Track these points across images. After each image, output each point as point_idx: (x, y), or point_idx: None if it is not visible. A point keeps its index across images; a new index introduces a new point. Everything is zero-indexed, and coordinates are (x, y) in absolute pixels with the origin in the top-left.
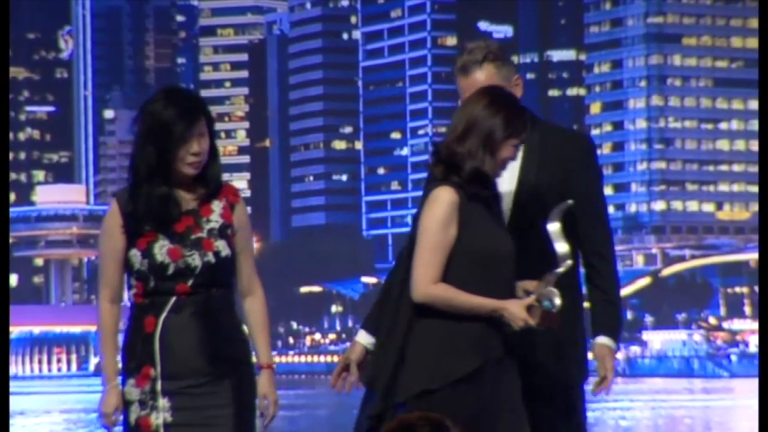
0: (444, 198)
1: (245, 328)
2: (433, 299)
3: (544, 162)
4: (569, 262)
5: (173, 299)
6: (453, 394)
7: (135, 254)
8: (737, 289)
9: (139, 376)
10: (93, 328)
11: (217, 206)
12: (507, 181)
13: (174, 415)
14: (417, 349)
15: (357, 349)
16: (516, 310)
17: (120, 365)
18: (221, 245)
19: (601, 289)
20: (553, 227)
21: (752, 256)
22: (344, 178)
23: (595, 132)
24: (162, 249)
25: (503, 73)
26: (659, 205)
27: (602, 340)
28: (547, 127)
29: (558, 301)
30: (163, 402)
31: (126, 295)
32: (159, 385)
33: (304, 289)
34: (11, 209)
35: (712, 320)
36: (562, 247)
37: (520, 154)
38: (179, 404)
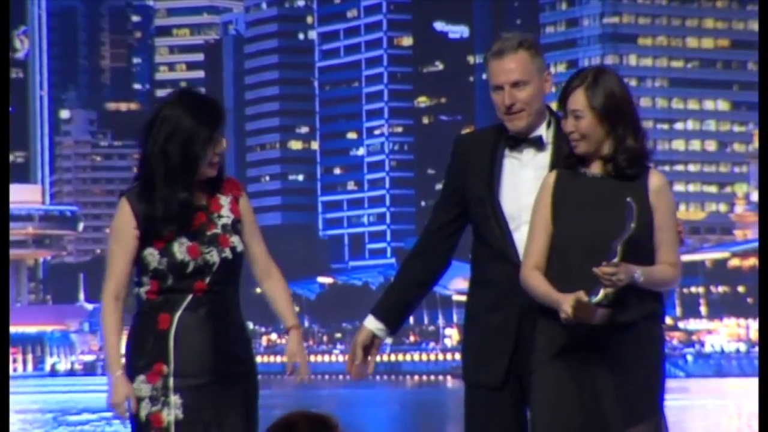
0: None
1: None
2: (525, 283)
3: (560, 158)
4: (615, 260)
5: (189, 297)
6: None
7: (152, 253)
8: (693, 289)
9: (151, 372)
10: (49, 329)
11: (224, 201)
12: (532, 178)
13: (185, 412)
14: None
15: (364, 334)
16: (562, 304)
17: (123, 360)
18: (236, 241)
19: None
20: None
21: (707, 256)
22: (300, 178)
23: None
24: (181, 247)
25: (537, 63)
26: None
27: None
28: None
29: (598, 295)
30: (174, 399)
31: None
32: (171, 382)
33: (260, 289)
34: None
35: (668, 320)
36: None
37: (548, 152)
38: (191, 402)
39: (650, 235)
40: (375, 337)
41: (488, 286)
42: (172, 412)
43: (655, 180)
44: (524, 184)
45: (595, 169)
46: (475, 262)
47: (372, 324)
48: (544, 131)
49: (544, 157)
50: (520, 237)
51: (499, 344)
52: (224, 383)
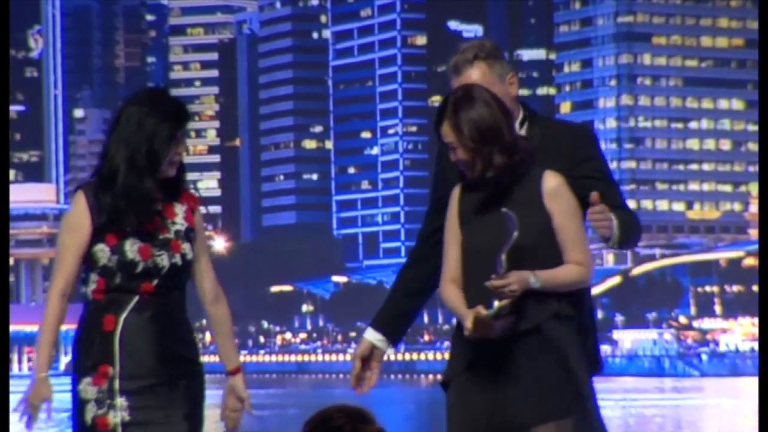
0: None
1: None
2: (441, 296)
3: (547, 156)
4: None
5: (136, 298)
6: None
7: (102, 249)
8: (707, 288)
9: (97, 374)
10: (64, 328)
11: (179, 209)
12: None
13: (131, 414)
14: None
15: (363, 345)
16: (464, 320)
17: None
18: (187, 248)
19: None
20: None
21: (722, 255)
22: (314, 177)
23: None
24: (133, 246)
25: (496, 70)
26: (629, 205)
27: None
28: (547, 121)
29: (493, 308)
30: (120, 401)
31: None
32: (117, 384)
33: (274, 289)
34: None
35: (683, 319)
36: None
37: None
38: (137, 403)
39: (548, 238)
40: (375, 348)
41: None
42: (118, 414)
43: (548, 182)
44: None
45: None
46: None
47: (371, 335)
48: (516, 130)
49: None
50: None
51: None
52: (170, 384)
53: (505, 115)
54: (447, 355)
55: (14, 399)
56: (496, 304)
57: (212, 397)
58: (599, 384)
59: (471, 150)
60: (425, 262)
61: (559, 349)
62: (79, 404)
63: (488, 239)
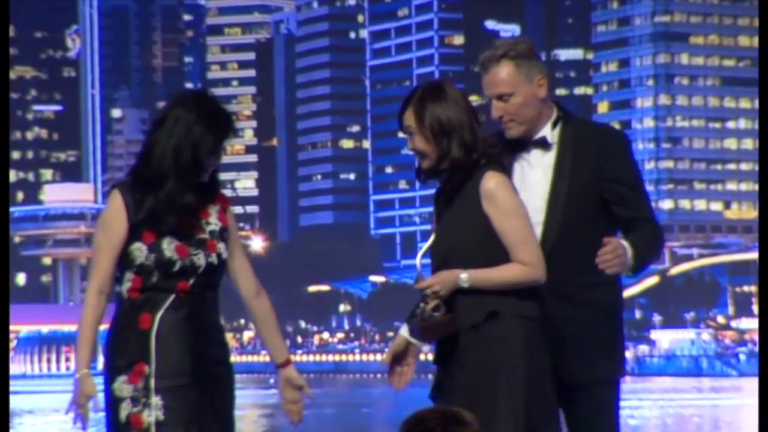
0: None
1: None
2: None
3: (578, 158)
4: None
5: (172, 297)
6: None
7: (140, 248)
8: (745, 288)
9: (132, 373)
10: (102, 327)
11: (213, 210)
12: (541, 179)
13: (166, 413)
14: None
15: (397, 341)
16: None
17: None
18: (222, 247)
19: (642, 233)
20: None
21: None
22: (352, 176)
23: None
24: (170, 245)
25: (523, 71)
26: (667, 204)
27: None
28: (581, 122)
29: (424, 311)
30: (155, 400)
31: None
32: (153, 383)
33: (312, 288)
34: (19, 208)
35: (721, 319)
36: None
37: (554, 151)
38: (171, 403)
39: (489, 240)
40: (410, 344)
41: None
42: (152, 413)
43: (485, 184)
44: (533, 185)
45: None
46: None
47: (406, 332)
48: (548, 131)
49: (551, 157)
50: None
51: None
52: (204, 385)
53: (471, 116)
54: None
55: (23, 399)
56: (422, 306)
57: (252, 397)
58: (637, 384)
59: (428, 140)
60: None
61: (500, 348)
62: (113, 402)
63: (437, 241)
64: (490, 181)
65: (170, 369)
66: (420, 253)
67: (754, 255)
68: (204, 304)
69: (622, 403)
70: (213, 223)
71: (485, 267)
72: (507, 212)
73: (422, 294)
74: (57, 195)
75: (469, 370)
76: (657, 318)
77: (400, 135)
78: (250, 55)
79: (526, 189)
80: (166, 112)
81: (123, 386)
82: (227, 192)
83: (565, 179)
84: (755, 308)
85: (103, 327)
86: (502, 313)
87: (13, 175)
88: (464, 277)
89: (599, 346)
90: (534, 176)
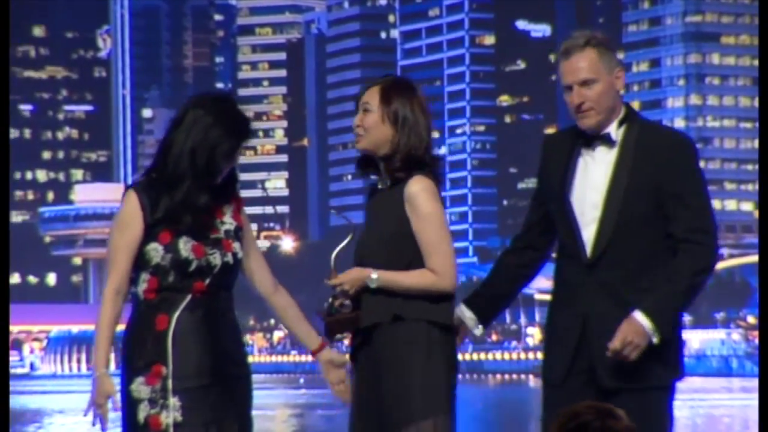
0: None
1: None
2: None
3: (639, 159)
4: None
5: (188, 297)
6: None
7: (155, 248)
8: None
9: (150, 374)
10: (118, 328)
11: (228, 209)
12: (602, 176)
13: (184, 414)
14: None
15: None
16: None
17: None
18: (237, 247)
19: (670, 273)
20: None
21: None
22: None
23: None
24: (186, 245)
25: (605, 60)
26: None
27: (635, 313)
28: (648, 124)
29: (332, 307)
30: (173, 401)
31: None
32: (170, 384)
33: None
34: (49, 209)
35: (751, 319)
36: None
37: (616, 150)
38: (189, 404)
39: (401, 242)
40: (462, 324)
41: (560, 285)
42: (170, 414)
43: (408, 188)
44: (593, 181)
45: (383, 183)
46: (555, 261)
47: (462, 312)
48: (614, 129)
49: (614, 155)
50: (587, 235)
51: (563, 342)
52: (221, 385)
53: (429, 121)
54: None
55: (54, 398)
56: (330, 301)
57: (282, 396)
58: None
59: (383, 122)
60: (524, 251)
61: (411, 351)
62: (131, 404)
63: (362, 241)
64: (415, 185)
65: (188, 370)
66: (336, 250)
67: None
68: (220, 304)
69: None
70: (228, 222)
71: (400, 269)
72: (424, 218)
73: (333, 291)
74: (87, 195)
75: (375, 365)
76: (687, 318)
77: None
78: (281, 55)
79: (587, 184)
80: (184, 113)
81: (140, 388)
82: (257, 192)
83: (625, 179)
84: None
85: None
86: (407, 317)
87: (43, 175)
88: (374, 277)
89: (649, 351)
90: (596, 172)
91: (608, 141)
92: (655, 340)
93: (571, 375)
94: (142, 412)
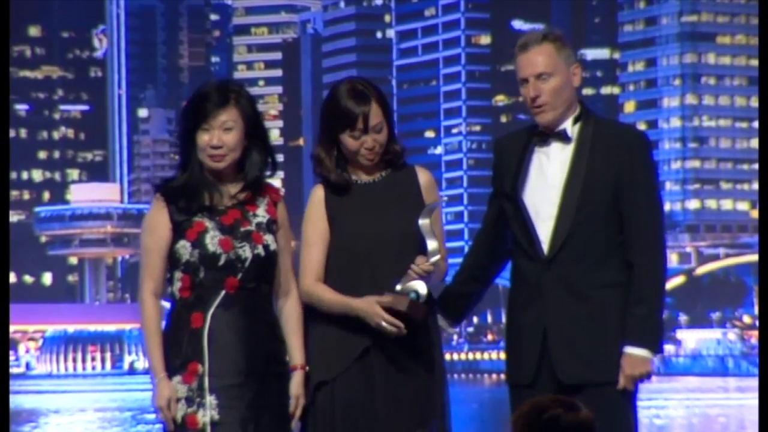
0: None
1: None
2: (309, 297)
3: (595, 155)
4: (437, 257)
5: (222, 293)
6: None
7: (184, 245)
8: None
9: (186, 372)
10: (128, 327)
11: (261, 202)
12: (557, 173)
13: (221, 412)
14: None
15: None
16: (369, 309)
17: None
18: (270, 239)
19: (635, 291)
20: (424, 223)
21: None
22: None
23: None
24: (213, 239)
25: (563, 55)
26: (693, 204)
27: (626, 349)
28: (602, 121)
29: (423, 290)
30: (210, 399)
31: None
32: (207, 382)
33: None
34: (45, 208)
35: (747, 319)
36: (431, 243)
37: (572, 147)
38: (226, 402)
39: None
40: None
41: (518, 283)
42: (207, 413)
43: (422, 178)
44: (549, 178)
45: (363, 177)
46: (512, 261)
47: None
48: (569, 125)
49: (569, 152)
50: (544, 232)
51: (527, 342)
52: (259, 383)
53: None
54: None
55: (49, 398)
56: (423, 290)
57: None
58: (663, 384)
59: (387, 130)
60: (481, 251)
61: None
62: None
63: (390, 226)
64: (428, 175)
65: (224, 368)
66: (428, 221)
67: None
68: (257, 299)
69: (648, 403)
70: (260, 215)
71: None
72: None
73: (422, 274)
74: (83, 195)
75: (423, 369)
76: (683, 318)
77: (426, 135)
78: (277, 55)
79: (544, 181)
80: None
81: (177, 386)
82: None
83: (580, 175)
84: None
85: (130, 327)
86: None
87: (39, 175)
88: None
89: (609, 347)
90: (551, 169)
91: (564, 137)
92: (656, 359)
93: (540, 374)
94: (180, 411)
